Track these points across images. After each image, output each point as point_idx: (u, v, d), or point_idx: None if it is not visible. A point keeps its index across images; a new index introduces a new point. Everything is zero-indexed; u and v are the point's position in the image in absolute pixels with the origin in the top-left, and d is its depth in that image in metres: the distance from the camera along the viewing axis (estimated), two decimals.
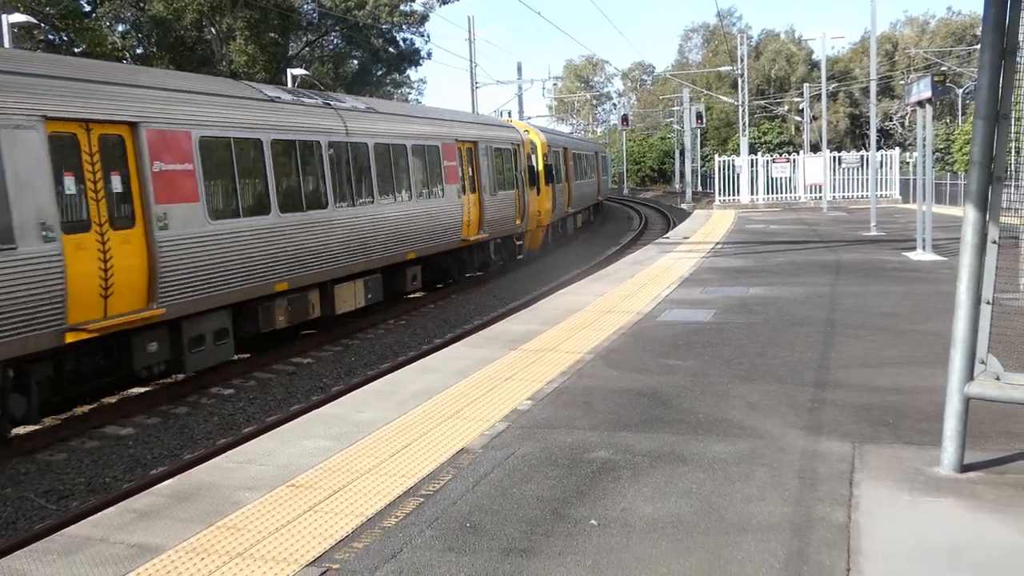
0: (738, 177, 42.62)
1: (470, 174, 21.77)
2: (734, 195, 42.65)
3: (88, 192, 10.81)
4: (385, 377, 9.74)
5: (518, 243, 25.65)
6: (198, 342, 12.61)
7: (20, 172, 9.80)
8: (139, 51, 42.96)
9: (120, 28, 43.07)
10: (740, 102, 49.56)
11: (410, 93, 76.32)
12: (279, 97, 14.86)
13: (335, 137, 15.92)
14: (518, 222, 25.14)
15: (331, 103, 16.56)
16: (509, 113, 53.51)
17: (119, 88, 11.46)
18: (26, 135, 9.89)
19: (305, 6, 50.88)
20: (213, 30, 43.32)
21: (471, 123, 23.49)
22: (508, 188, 24.56)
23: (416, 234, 18.67)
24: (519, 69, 60.26)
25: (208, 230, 12.53)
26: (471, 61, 49.24)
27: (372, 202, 17.05)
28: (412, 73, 65.71)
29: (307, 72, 39.67)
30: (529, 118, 63.15)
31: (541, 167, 27.59)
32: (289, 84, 33.00)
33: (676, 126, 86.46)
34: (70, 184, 10.60)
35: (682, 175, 73.85)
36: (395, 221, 17.86)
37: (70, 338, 10.33)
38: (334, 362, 15.32)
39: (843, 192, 41.29)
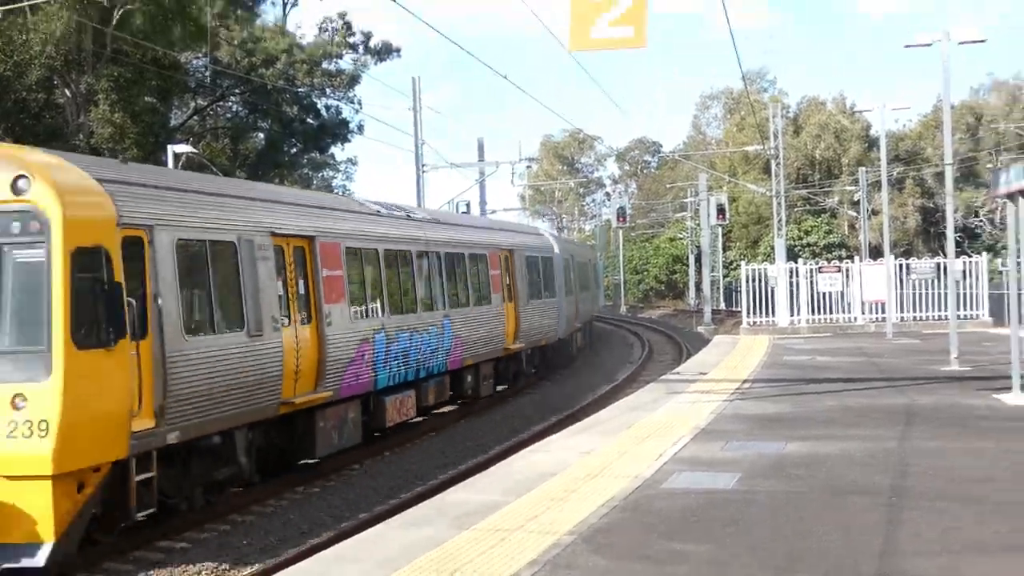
0: (773, 291, 43.08)
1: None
2: (768, 315, 43.00)
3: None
4: (279, 573, 9.52)
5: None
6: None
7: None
8: None
9: None
10: (774, 191, 50.57)
11: (334, 178, 77.28)
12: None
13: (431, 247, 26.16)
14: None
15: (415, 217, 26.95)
16: (467, 206, 54.28)
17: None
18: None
19: (194, 62, 51.75)
20: (68, 92, 43.85)
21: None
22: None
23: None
24: (480, 148, 61.00)
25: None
26: (416, 137, 50.17)
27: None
28: (337, 151, 66.43)
29: (195, 150, 40.04)
30: (493, 212, 63.97)
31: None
32: (170, 163, 33.26)
33: (690, 222, 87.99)
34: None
35: (698, 288, 74.78)
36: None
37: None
38: (220, 545, 14.98)
39: (914, 311, 41.77)
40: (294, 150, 58.48)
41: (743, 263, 47.82)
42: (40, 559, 12.21)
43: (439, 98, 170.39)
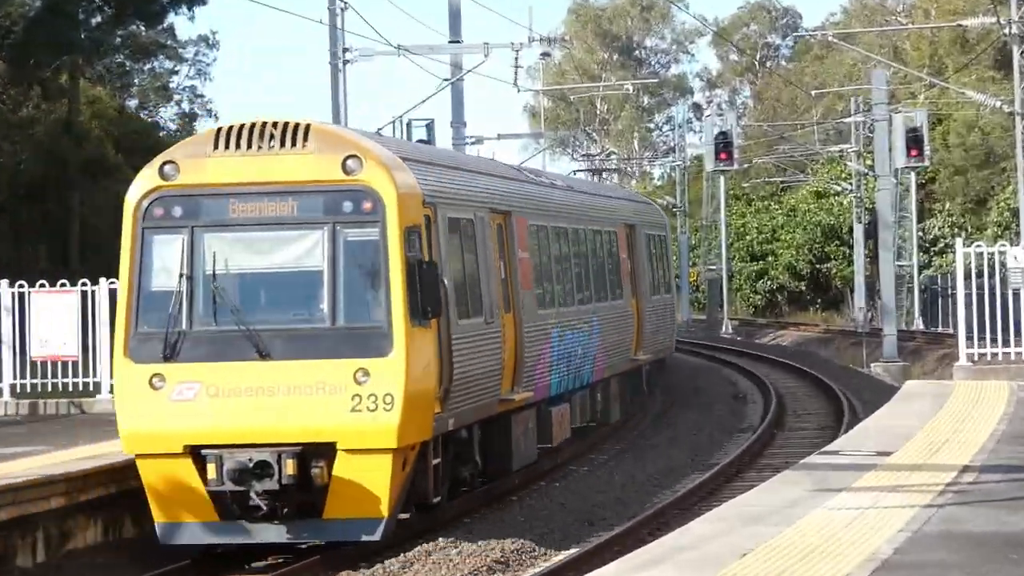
0: (1017, 298, 42.92)
1: None
2: (1008, 343, 42.83)
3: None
4: None
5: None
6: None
7: None
8: None
9: None
10: (1019, 105, 50.57)
11: (175, 74, 77.36)
12: None
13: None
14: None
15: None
16: (429, 128, 54.28)
17: None
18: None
19: None
20: None
21: None
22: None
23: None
24: (454, 20, 59.81)
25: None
26: None
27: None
28: (181, 22, 66.55)
29: None
30: (479, 140, 64.24)
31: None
32: None
33: (855, 163, 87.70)
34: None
35: (872, 290, 74.79)
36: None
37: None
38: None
39: None
40: (97, 20, 58.47)
41: (958, 241, 47.78)
42: (378, 534, 21.19)
43: None
